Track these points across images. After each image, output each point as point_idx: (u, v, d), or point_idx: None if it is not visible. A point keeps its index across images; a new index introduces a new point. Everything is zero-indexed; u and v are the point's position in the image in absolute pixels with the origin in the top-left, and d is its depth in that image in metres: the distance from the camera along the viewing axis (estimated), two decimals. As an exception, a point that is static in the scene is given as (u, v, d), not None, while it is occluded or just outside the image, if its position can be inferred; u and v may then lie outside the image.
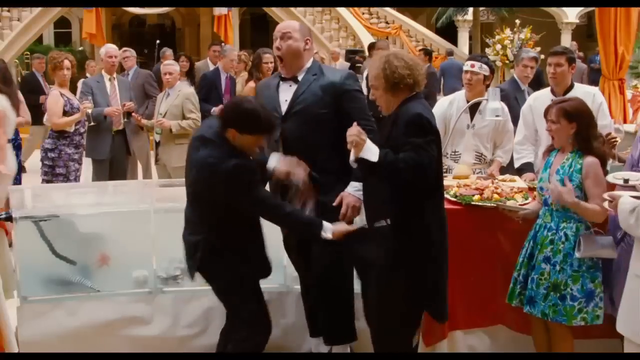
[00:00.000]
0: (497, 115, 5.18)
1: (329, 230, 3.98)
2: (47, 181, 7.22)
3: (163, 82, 7.85)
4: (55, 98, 7.20)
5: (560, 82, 5.34)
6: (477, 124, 5.58)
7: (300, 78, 4.38)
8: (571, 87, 5.37)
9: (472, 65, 5.55)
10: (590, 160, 4.15)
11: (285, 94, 4.38)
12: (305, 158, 4.19)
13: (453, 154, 5.67)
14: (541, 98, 5.45)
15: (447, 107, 5.67)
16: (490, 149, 5.72)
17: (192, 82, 9.91)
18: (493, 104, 5.14)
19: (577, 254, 4.11)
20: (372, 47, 12.97)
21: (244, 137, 3.91)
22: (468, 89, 5.60)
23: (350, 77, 4.47)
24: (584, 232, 4.14)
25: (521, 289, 4.30)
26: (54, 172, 7.25)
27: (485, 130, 5.59)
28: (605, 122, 5.31)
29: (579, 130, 4.19)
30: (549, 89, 5.48)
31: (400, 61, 3.79)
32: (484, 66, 5.56)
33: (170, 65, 7.82)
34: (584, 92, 5.39)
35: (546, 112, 4.31)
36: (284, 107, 4.35)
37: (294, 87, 4.37)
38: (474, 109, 5.59)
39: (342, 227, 4.02)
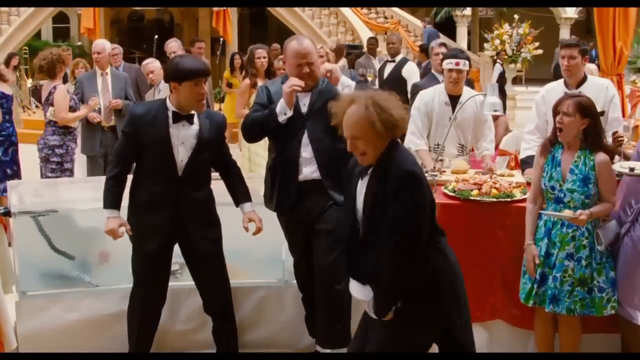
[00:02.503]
0: (495, 110, 5.21)
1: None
2: (57, 177, 7.17)
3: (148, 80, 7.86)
4: (63, 94, 7.19)
5: (574, 74, 5.30)
6: (458, 116, 5.65)
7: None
8: (584, 79, 5.35)
9: (457, 64, 5.66)
10: (602, 158, 4.20)
11: (303, 99, 4.50)
12: (331, 150, 4.37)
13: (436, 147, 5.72)
14: (554, 90, 5.43)
15: (428, 101, 5.77)
16: (470, 140, 5.82)
17: None
18: (491, 99, 5.15)
19: (600, 248, 4.20)
20: (373, 41, 12.86)
21: (184, 88, 4.18)
22: (453, 85, 5.71)
23: (354, 73, 4.73)
24: (599, 225, 4.25)
25: (537, 288, 4.30)
26: (62, 168, 7.22)
27: (467, 122, 5.72)
28: (616, 115, 5.30)
29: (589, 127, 4.21)
30: (561, 80, 5.44)
31: (389, 102, 3.39)
32: (466, 62, 5.72)
33: (149, 64, 7.82)
34: (597, 84, 5.37)
35: (557, 105, 4.27)
36: (304, 110, 4.48)
37: (309, 93, 4.48)
38: (454, 102, 5.68)
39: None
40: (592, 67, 8.34)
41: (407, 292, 3.39)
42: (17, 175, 7.66)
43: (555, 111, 4.27)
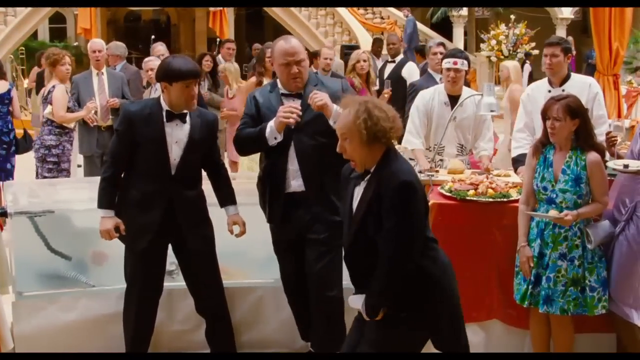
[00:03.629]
0: (492, 110, 5.22)
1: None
2: (53, 178, 7.16)
3: (147, 78, 7.86)
4: (62, 92, 7.18)
5: (557, 73, 5.33)
6: (458, 116, 5.68)
7: (302, 92, 4.43)
8: (568, 77, 5.38)
9: (455, 63, 5.68)
10: (594, 157, 4.20)
11: None
12: (321, 165, 4.31)
13: (436, 146, 5.74)
14: (539, 88, 5.50)
15: (428, 101, 5.78)
16: (470, 140, 5.83)
17: (215, 83, 9.84)
18: (488, 99, 5.16)
19: (590, 246, 4.21)
20: (379, 43, 12.78)
21: (175, 89, 4.22)
22: (451, 85, 5.72)
23: (347, 83, 4.78)
24: (591, 224, 4.27)
25: (531, 289, 4.31)
26: (59, 168, 7.20)
27: (467, 122, 5.72)
28: (600, 112, 5.32)
29: (580, 127, 4.22)
30: (545, 79, 5.49)
31: (381, 112, 3.41)
32: (465, 62, 5.73)
33: (151, 61, 7.83)
34: (580, 82, 5.41)
35: (546, 110, 4.26)
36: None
37: (298, 101, 4.40)
38: (454, 102, 5.70)
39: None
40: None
41: (400, 298, 3.43)
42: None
43: (545, 116, 4.27)
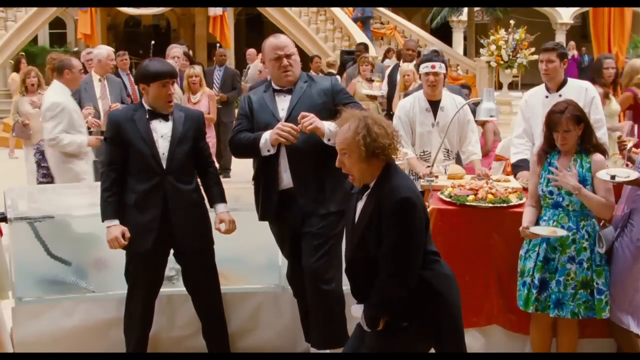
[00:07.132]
0: (491, 116, 5.22)
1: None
2: (48, 183, 7.16)
3: None
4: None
5: (553, 78, 5.36)
6: (440, 121, 5.69)
7: (293, 87, 4.48)
8: (564, 82, 5.40)
9: (433, 67, 5.68)
10: (598, 158, 4.26)
11: (282, 104, 4.47)
12: (312, 159, 4.32)
13: (423, 153, 5.76)
14: (536, 94, 5.52)
15: (409, 109, 5.78)
16: (455, 143, 5.82)
17: None
18: (487, 104, 5.16)
19: (600, 250, 4.23)
20: (360, 48, 12.53)
21: (153, 89, 4.39)
22: (431, 89, 5.72)
23: (337, 80, 4.81)
24: (600, 227, 4.28)
25: (537, 294, 4.31)
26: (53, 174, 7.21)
27: (450, 126, 5.62)
28: (598, 117, 5.32)
29: (584, 130, 4.27)
30: (542, 85, 5.51)
31: (380, 128, 3.40)
32: (442, 64, 5.72)
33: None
34: (576, 86, 5.43)
35: (554, 124, 4.26)
36: (282, 114, 4.43)
37: (289, 97, 4.46)
38: (435, 107, 5.71)
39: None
40: None
41: (401, 308, 3.44)
42: None
43: (552, 129, 4.28)
